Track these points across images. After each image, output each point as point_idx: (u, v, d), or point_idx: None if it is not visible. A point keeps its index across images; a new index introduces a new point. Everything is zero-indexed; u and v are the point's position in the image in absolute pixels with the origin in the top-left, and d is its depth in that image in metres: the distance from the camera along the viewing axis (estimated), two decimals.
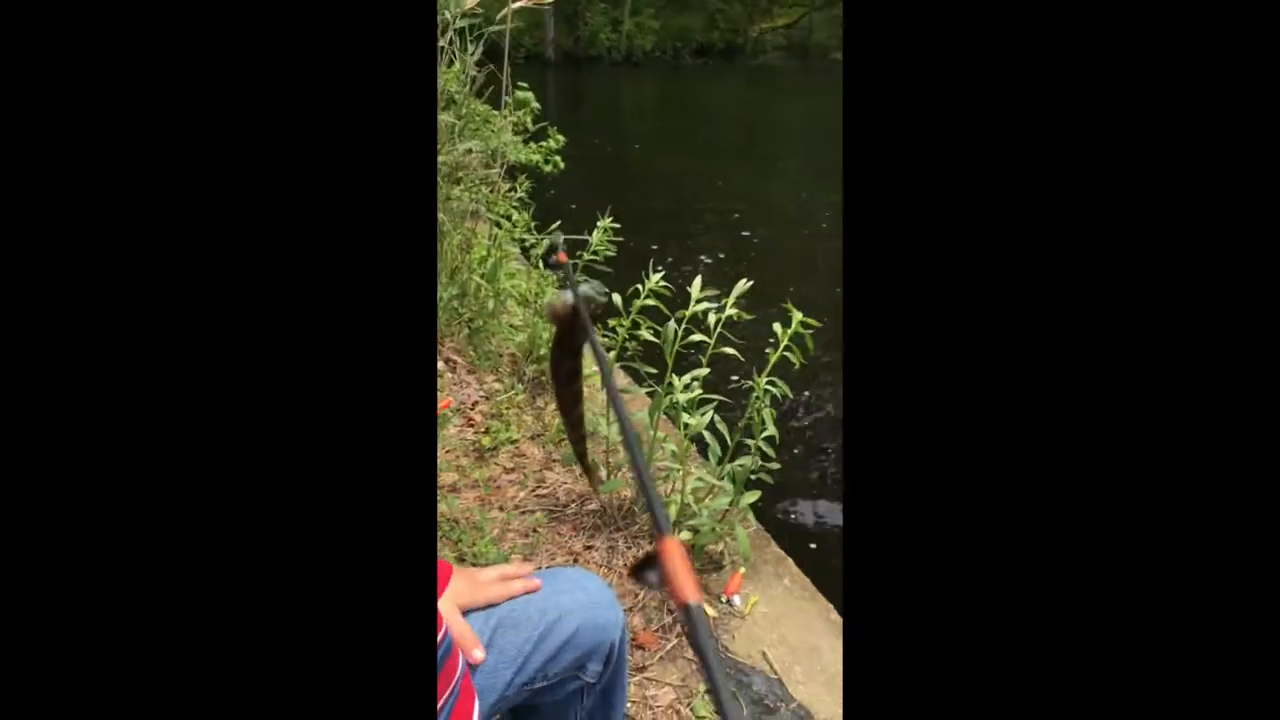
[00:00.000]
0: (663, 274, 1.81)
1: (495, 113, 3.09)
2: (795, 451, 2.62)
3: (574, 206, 5.70)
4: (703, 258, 4.87)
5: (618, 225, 2.16)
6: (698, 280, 1.64)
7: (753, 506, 1.78)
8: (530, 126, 3.26)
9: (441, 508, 1.73)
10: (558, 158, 3.44)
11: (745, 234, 5.40)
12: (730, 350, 1.70)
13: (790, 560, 1.85)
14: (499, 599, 0.81)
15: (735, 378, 1.77)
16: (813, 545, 2.17)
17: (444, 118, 2.55)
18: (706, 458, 1.74)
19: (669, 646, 1.56)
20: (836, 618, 1.74)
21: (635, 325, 1.75)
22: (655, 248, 4.78)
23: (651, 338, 1.72)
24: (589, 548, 1.73)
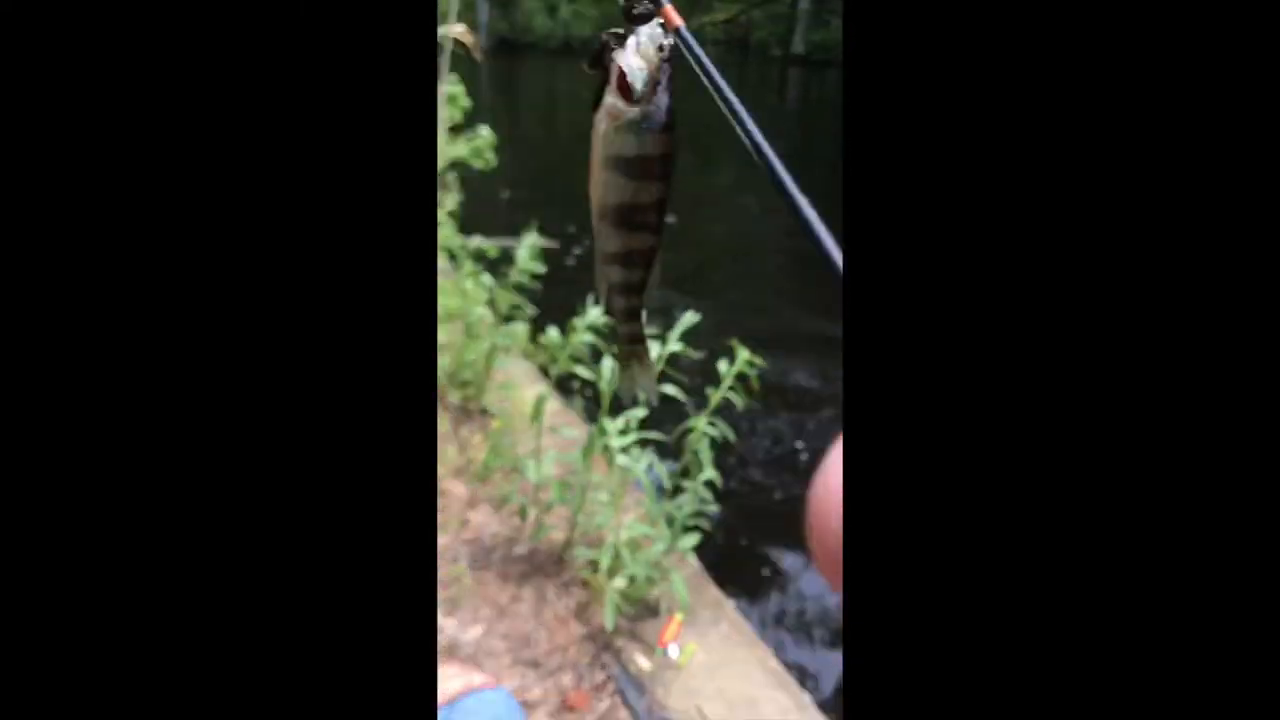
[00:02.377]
0: (601, 304, 1.71)
1: None
2: (738, 487, 2.56)
3: (506, 196, 5.52)
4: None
5: (552, 243, 2.04)
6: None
7: (693, 548, 1.70)
8: (460, 119, 3.09)
9: None
10: (489, 154, 3.27)
11: (683, 231, 5.34)
12: (671, 390, 1.61)
13: (729, 604, 1.78)
14: (460, 692, 0.79)
15: (687, 394, 1.69)
16: (755, 587, 2.11)
17: None
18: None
19: (602, 707, 1.46)
20: (775, 664, 1.68)
21: (574, 359, 1.64)
22: (577, 254, 4.68)
23: (588, 375, 1.62)
24: (516, 599, 1.62)
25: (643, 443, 1.60)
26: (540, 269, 1.98)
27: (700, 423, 1.51)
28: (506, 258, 2.49)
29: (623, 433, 1.51)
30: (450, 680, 0.80)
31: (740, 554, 2.23)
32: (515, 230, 2.59)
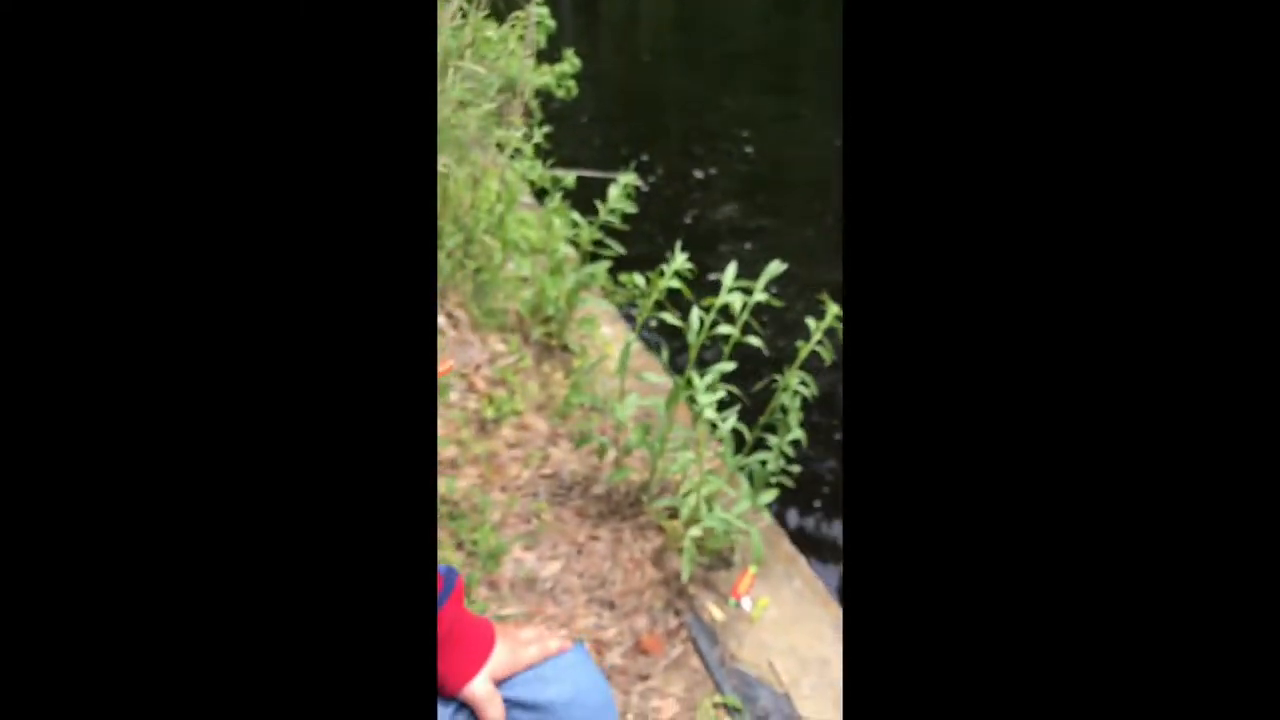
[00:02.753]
0: (684, 249, 1.66)
1: (508, 30, 2.83)
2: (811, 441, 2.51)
3: (585, 120, 5.40)
4: (724, 207, 4.64)
5: (630, 175, 1.98)
6: (731, 267, 1.49)
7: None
8: (543, 44, 2.99)
9: (440, 488, 1.63)
10: (571, 82, 3.17)
11: (756, 162, 5.13)
12: (755, 341, 1.56)
13: (802, 560, 1.77)
14: (536, 661, 0.75)
15: (763, 346, 1.64)
16: (828, 545, 2.09)
17: (447, 42, 2.31)
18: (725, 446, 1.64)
19: (675, 653, 1.49)
20: None
21: (659, 306, 1.61)
22: (650, 182, 4.55)
23: (676, 321, 1.58)
24: (593, 538, 1.64)
25: (722, 403, 1.57)
26: (631, 209, 1.93)
27: (792, 380, 1.47)
28: (587, 187, 2.44)
29: (709, 389, 1.48)
30: (527, 647, 0.76)
31: (808, 506, 2.20)
32: (592, 154, 2.51)
